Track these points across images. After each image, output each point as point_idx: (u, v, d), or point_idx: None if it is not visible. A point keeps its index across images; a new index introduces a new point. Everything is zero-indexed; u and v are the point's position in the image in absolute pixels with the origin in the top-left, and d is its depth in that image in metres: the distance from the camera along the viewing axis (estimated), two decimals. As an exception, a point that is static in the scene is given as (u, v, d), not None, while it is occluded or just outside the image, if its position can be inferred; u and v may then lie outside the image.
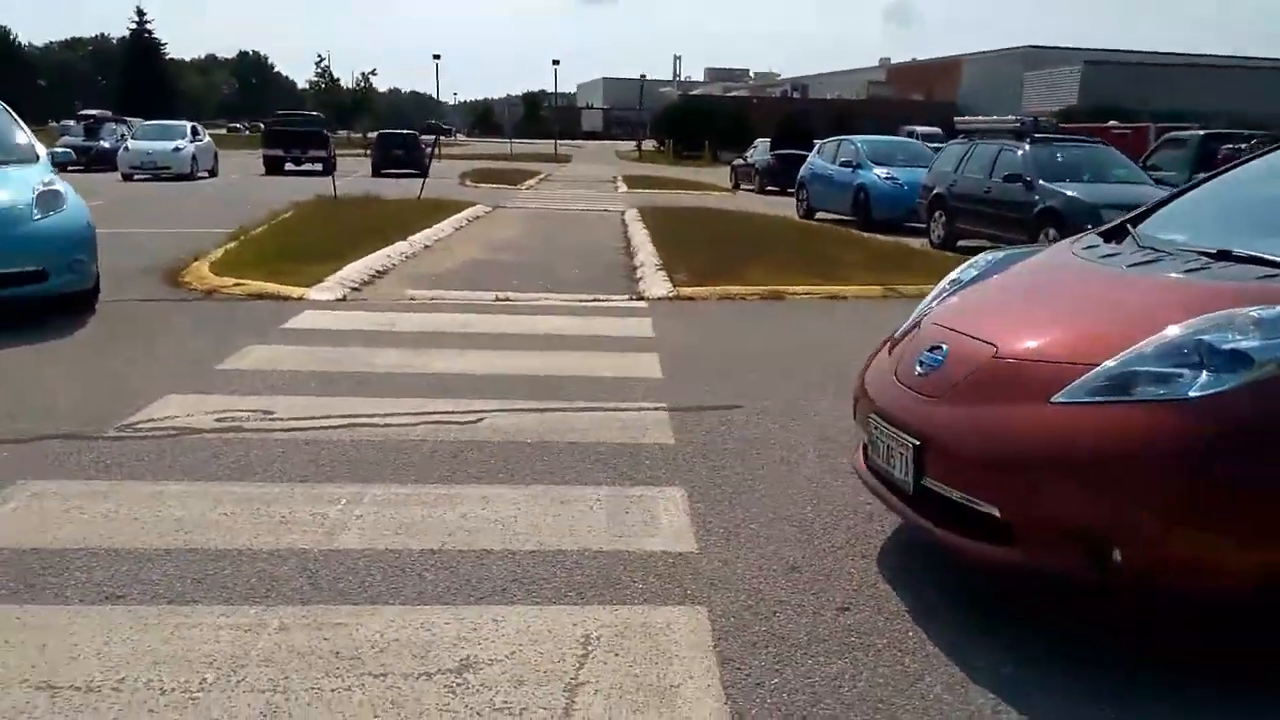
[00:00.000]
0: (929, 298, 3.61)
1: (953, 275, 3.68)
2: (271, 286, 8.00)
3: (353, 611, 2.78)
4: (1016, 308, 3.21)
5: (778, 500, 3.75)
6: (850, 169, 16.17)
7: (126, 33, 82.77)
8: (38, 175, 6.95)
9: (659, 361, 6.03)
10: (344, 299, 7.91)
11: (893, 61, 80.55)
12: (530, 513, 3.58)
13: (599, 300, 8.25)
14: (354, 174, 30.00)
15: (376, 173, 30.81)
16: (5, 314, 6.45)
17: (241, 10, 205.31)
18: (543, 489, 3.83)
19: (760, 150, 28.82)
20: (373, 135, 35.95)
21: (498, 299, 8.10)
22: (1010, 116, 19.79)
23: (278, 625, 2.68)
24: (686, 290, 8.45)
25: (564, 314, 7.62)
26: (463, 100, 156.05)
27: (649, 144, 67.48)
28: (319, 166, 30.38)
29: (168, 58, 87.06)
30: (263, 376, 5.44)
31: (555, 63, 71.33)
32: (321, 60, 65.77)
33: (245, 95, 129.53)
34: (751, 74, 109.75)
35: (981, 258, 3.74)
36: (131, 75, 73.83)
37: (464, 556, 3.17)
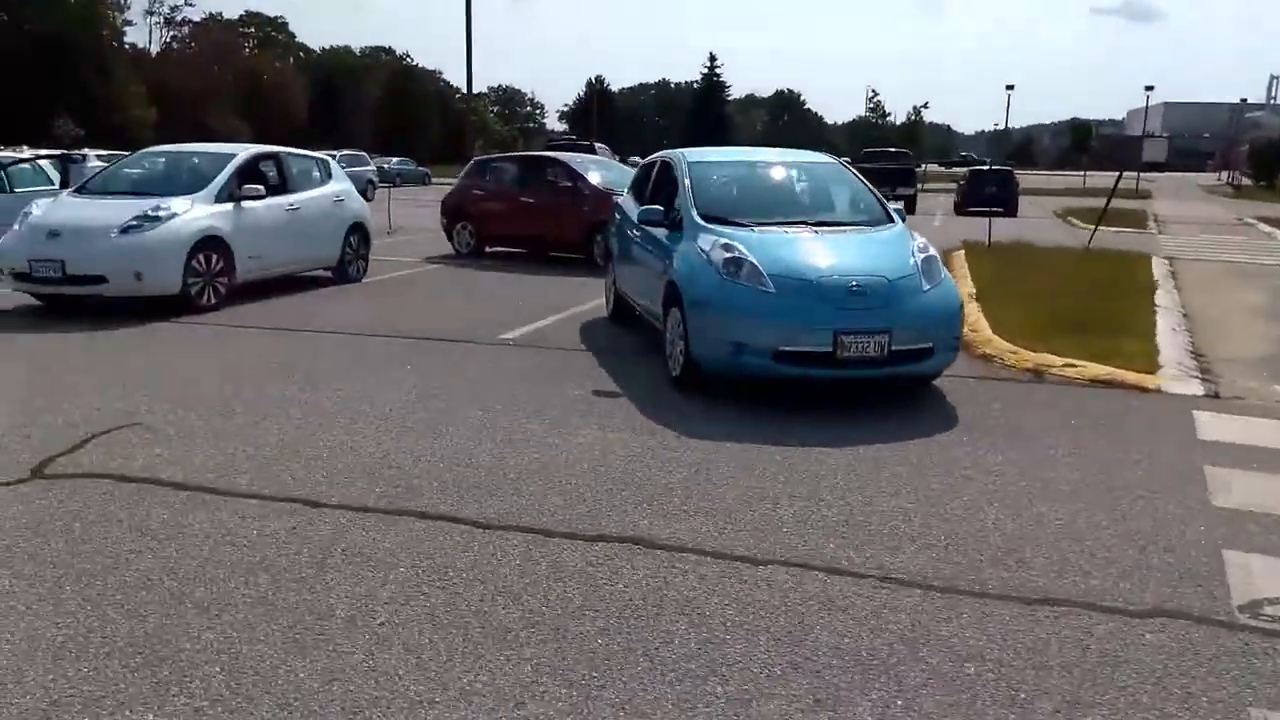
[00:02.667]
0: None
1: None
2: (1106, 371, 6.74)
3: None
4: None
5: None
6: None
7: (699, 76, 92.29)
8: (906, 239, 6.43)
9: None
10: (1216, 396, 6.36)
11: None
12: None
13: None
14: (935, 213, 29.03)
15: (960, 211, 29.49)
16: (887, 391, 5.99)
17: (778, 54, 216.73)
18: None
19: None
20: (930, 167, 34.67)
21: None
22: None
23: None
24: None
25: None
26: (980, 130, 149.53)
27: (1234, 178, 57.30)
28: (900, 205, 29.86)
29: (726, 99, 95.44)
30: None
31: (1149, 88, 57.49)
32: (875, 95, 66.65)
33: (779, 130, 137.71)
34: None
35: None
36: (698, 114, 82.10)
37: None
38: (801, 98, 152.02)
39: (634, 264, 7.81)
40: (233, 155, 9.80)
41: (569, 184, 13.36)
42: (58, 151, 13.91)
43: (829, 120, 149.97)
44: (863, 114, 60.88)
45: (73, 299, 8.73)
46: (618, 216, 8.64)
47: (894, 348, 5.67)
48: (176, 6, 75.93)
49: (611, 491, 4.40)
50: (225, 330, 8.21)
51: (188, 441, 5.04)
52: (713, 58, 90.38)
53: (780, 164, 7.57)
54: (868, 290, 5.73)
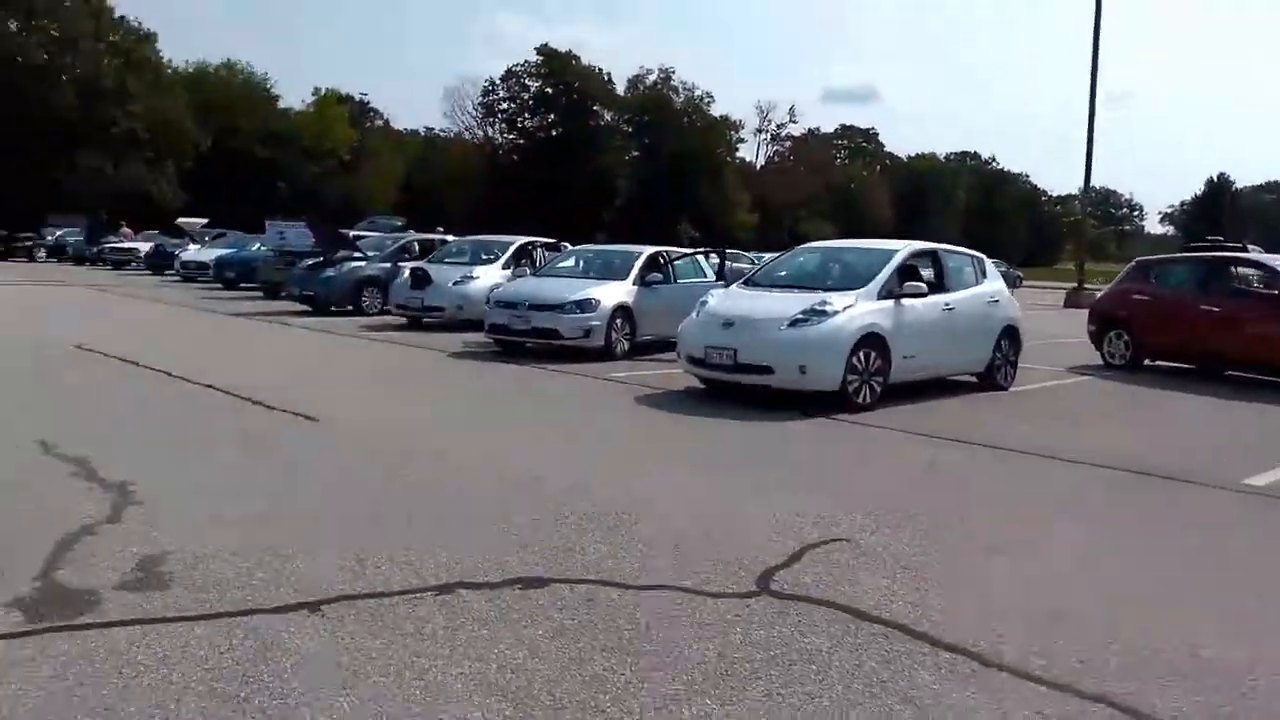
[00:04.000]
0: None
1: None
2: None
3: None
4: None
5: None
6: None
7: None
8: None
9: None
10: None
11: None
12: None
13: None
14: None
15: None
16: None
17: None
18: None
19: None
20: None
21: None
22: None
23: None
24: None
25: None
26: None
27: None
28: None
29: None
30: None
31: None
32: None
33: None
34: None
35: None
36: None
37: None
38: None
39: None
40: (894, 252, 9.38)
41: (1273, 291, 10.73)
42: (713, 249, 15.16)
43: None
44: None
45: (729, 387, 8.88)
46: None
47: None
48: (783, 124, 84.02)
49: None
50: (889, 435, 7.57)
51: (914, 575, 4.23)
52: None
53: None
54: None
